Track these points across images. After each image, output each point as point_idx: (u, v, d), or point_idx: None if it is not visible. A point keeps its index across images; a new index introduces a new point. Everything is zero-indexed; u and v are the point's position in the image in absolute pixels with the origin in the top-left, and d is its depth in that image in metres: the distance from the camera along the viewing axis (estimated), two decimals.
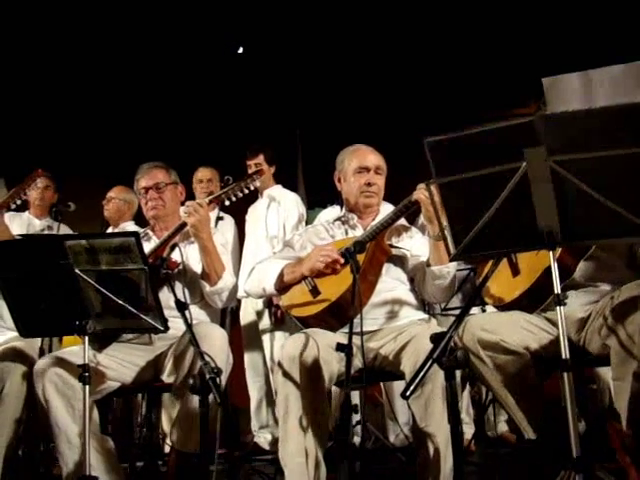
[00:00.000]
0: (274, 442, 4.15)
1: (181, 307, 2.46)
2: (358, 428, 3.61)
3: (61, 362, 2.69)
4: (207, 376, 2.18)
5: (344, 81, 6.44)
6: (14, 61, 5.80)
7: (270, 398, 4.18)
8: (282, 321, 4.09)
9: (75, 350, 2.85)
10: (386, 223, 2.73)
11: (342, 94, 6.49)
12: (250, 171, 4.42)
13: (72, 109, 6.16)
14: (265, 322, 4.20)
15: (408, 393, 1.89)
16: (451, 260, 2.16)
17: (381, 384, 3.73)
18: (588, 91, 2.18)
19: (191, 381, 2.21)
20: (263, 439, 4.15)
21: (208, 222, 2.87)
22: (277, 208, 4.30)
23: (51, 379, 2.65)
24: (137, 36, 5.72)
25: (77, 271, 2.39)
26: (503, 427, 3.86)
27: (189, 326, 2.39)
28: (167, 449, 3.96)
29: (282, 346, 2.49)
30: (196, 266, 2.96)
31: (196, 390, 2.21)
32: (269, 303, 4.13)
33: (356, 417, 3.29)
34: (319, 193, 6.83)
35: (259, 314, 4.24)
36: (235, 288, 2.97)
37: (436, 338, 2.00)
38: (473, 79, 6.32)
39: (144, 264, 2.36)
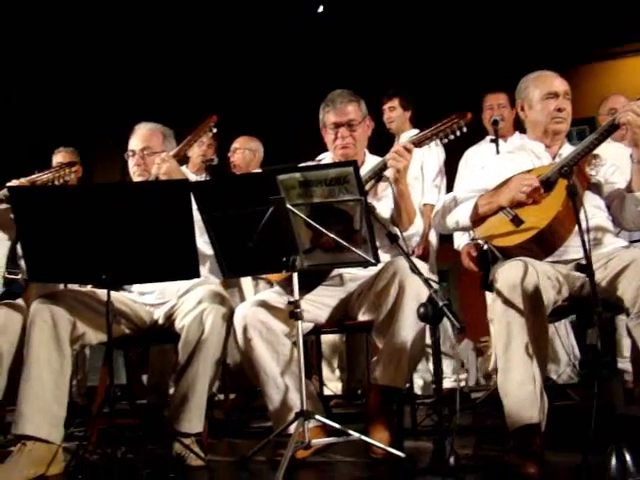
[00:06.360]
0: (425, 387, 4.17)
1: (393, 238, 2.42)
2: None
3: (261, 307, 2.70)
4: (440, 303, 2.14)
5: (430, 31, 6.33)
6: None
7: None
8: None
9: (269, 294, 2.85)
10: (587, 148, 2.62)
11: (431, 43, 6.38)
12: (385, 115, 4.36)
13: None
14: None
15: None
16: None
17: None
18: None
19: (422, 310, 2.16)
20: (415, 384, 4.13)
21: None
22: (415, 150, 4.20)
23: (255, 326, 2.67)
24: None
25: (289, 206, 2.37)
26: None
27: (407, 255, 2.35)
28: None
29: (499, 274, 2.42)
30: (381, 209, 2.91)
31: (428, 319, 2.17)
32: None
33: None
34: None
35: None
36: (424, 231, 2.93)
37: None
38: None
39: (360, 194, 2.32)
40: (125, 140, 3.22)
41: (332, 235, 2.38)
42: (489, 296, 4.09)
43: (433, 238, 4.20)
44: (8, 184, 2.89)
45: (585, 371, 3.83)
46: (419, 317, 2.18)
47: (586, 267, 2.11)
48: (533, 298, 2.34)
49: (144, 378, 4.36)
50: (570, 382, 3.77)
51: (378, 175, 2.80)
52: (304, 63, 6.32)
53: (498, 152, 3.53)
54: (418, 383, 4.15)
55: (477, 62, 6.14)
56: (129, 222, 2.45)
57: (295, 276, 2.45)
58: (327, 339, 4.23)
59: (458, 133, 2.74)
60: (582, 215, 2.51)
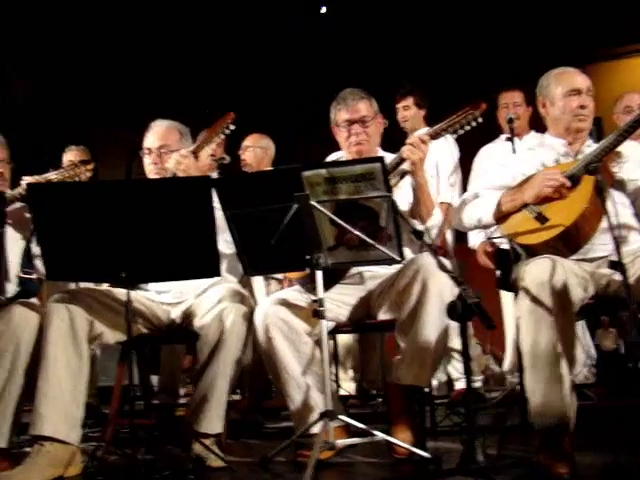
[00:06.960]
0: (440, 387, 4.15)
1: (419, 235, 2.39)
2: None
3: (282, 305, 2.67)
4: (469, 300, 2.10)
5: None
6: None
7: None
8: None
9: (290, 292, 2.82)
10: (612, 145, 2.58)
11: (443, 43, 6.37)
12: (399, 114, 4.34)
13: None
14: None
15: None
16: None
17: None
18: None
19: (452, 307, 2.12)
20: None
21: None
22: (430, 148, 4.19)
23: (276, 325, 2.63)
24: None
25: (313, 203, 2.33)
26: None
27: (433, 251, 2.32)
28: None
29: (527, 271, 2.38)
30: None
31: (457, 316, 2.13)
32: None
33: None
34: None
35: None
36: (442, 224, 2.89)
37: None
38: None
39: (387, 191, 2.28)
40: (132, 138, 3.18)
41: (357, 232, 2.34)
42: (505, 295, 4.09)
43: (449, 237, 4.17)
44: (24, 181, 2.85)
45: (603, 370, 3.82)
46: (448, 315, 2.14)
47: (618, 264, 2.08)
48: (561, 296, 2.30)
49: (153, 379, 4.33)
50: (586, 382, 3.74)
51: (395, 169, 2.77)
52: (315, 61, 6.30)
53: (514, 151, 3.49)
54: (433, 384, 4.11)
55: (489, 61, 6.13)
56: (149, 219, 2.41)
57: (319, 274, 2.42)
58: (340, 339, 4.19)
59: (474, 124, 2.70)
60: (610, 209, 2.46)
